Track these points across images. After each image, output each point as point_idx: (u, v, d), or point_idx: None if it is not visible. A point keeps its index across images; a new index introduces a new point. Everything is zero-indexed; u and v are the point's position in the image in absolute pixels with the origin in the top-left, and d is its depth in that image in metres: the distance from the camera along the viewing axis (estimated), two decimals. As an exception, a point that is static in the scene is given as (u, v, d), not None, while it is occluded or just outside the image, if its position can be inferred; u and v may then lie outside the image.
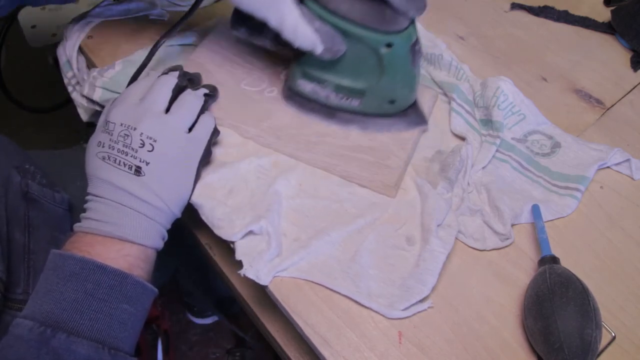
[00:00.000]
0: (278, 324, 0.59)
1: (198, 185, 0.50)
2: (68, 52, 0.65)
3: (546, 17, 0.74)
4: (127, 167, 0.45)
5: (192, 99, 0.50)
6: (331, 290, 0.46)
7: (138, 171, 0.45)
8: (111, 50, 0.64)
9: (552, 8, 0.74)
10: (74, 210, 0.63)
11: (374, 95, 0.53)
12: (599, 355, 0.44)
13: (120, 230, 0.44)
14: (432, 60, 0.63)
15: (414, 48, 0.50)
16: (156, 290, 0.45)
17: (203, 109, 0.51)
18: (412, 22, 0.49)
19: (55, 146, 0.78)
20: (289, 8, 0.46)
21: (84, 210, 0.46)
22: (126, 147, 0.45)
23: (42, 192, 0.58)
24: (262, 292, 0.48)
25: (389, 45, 0.48)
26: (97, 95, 0.60)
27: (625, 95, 0.65)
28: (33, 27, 0.85)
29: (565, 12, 0.74)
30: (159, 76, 0.50)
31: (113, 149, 0.45)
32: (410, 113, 0.56)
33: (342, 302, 0.46)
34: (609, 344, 0.45)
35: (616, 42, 0.71)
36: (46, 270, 0.42)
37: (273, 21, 0.47)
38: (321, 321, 0.45)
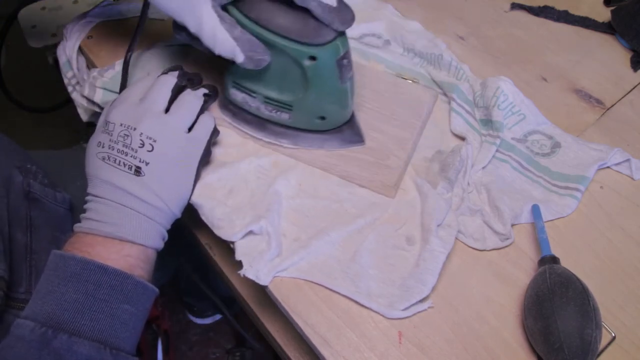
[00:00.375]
0: (278, 324, 0.59)
1: (198, 185, 0.50)
2: (68, 52, 0.65)
3: (546, 17, 0.74)
4: (127, 167, 0.45)
5: (192, 99, 0.50)
6: (331, 290, 0.46)
7: (138, 171, 0.45)
8: (111, 50, 0.64)
9: (552, 8, 0.74)
10: (75, 210, 0.63)
11: (302, 110, 0.51)
12: (599, 355, 0.44)
13: (121, 230, 0.44)
14: (432, 60, 0.63)
15: (342, 62, 0.47)
16: (157, 290, 0.45)
17: (203, 109, 0.51)
18: (341, 34, 0.46)
19: (55, 146, 0.78)
20: (207, 13, 0.45)
21: (84, 211, 0.46)
22: (126, 147, 0.45)
23: (44, 191, 0.59)
24: (262, 292, 0.48)
25: (312, 57, 0.46)
26: (98, 97, 0.60)
27: (625, 95, 0.65)
28: (33, 27, 0.85)
29: (565, 12, 0.74)
30: (158, 76, 0.50)
31: (113, 149, 0.45)
32: (345, 130, 0.54)
33: (342, 302, 0.46)
34: (609, 344, 0.45)
35: (616, 42, 0.71)
36: (47, 271, 0.42)
37: (191, 26, 0.46)
38: (321, 321, 0.45)
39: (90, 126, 0.69)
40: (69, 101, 0.68)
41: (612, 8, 0.73)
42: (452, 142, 0.58)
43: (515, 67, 0.66)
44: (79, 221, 0.45)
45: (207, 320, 1.22)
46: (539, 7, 0.74)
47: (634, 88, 0.65)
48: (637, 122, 0.62)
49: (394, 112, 0.57)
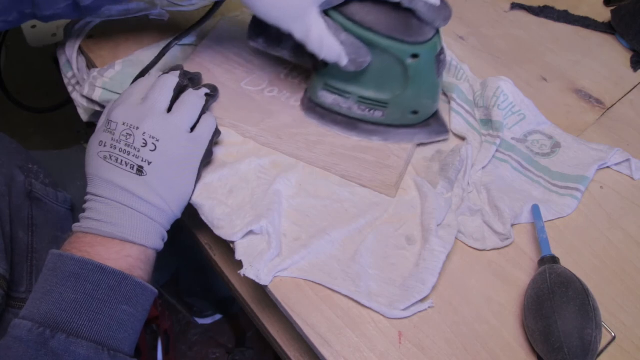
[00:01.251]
0: (278, 324, 0.59)
1: (198, 185, 0.50)
2: (68, 52, 0.65)
3: (546, 17, 0.74)
4: (129, 166, 0.45)
5: (194, 98, 0.50)
6: (331, 290, 0.46)
7: (140, 171, 0.45)
8: (111, 50, 0.64)
9: (552, 8, 0.74)
10: (76, 210, 0.63)
11: (398, 106, 0.52)
12: (599, 355, 0.44)
13: (121, 230, 0.43)
14: (432, 60, 0.63)
15: (439, 58, 0.49)
16: (156, 291, 0.45)
17: (204, 109, 0.51)
18: (437, 32, 0.48)
19: (55, 146, 0.78)
20: (315, 20, 0.46)
21: (83, 211, 0.46)
22: (128, 146, 0.45)
23: (46, 191, 0.58)
24: (262, 292, 0.48)
25: (414, 55, 0.48)
26: (97, 95, 0.60)
27: (625, 95, 0.65)
28: (33, 27, 0.85)
29: (565, 12, 0.74)
30: (159, 76, 0.50)
31: (115, 149, 0.45)
32: (432, 123, 0.55)
33: (342, 302, 0.46)
34: (609, 344, 0.45)
35: (616, 42, 0.71)
36: (45, 271, 0.42)
37: (298, 33, 0.46)
38: (321, 321, 0.45)
39: (91, 126, 0.69)
40: (69, 101, 0.68)
41: (612, 8, 0.73)
42: (452, 142, 0.58)
43: (515, 67, 0.66)
44: (78, 221, 0.45)
45: (207, 320, 1.22)
46: (539, 7, 0.74)
47: (634, 88, 0.65)
48: (637, 122, 0.62)
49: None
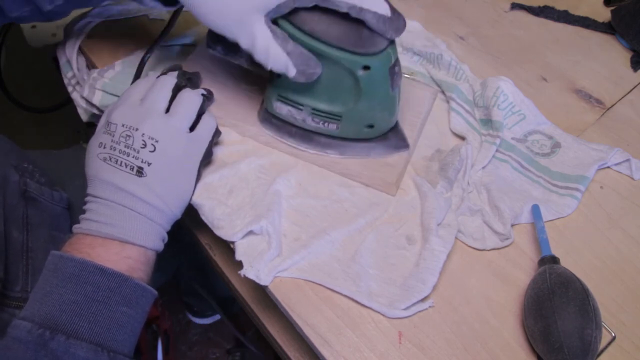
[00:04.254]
0: (278, 324, 0.59)
1: (198, 185, 0.50)
2: (68, 52, 0.65)
3: (546, 17, 0.74)
4: (128, 167, 0.45)
5: (191, 98, 0.49)
6: (331, 290, 0.46)
7: (140, 172, 0.45)
8: (111, 50, 0.64)
9: (552, 8, 0.74)
10: (73, 209, 0.63)
11: (352, 120, 0.51)
12: (599, 355, 0.44)
13: (121, 231, 0.43)
14: (431, 59, 0.63)
15: (393, 70, 0.48)
16: (156, 292, 0.45)
17: (203, 108, 0.51)
18: (391, 43, 0.46)
19: (55, 146, 0.78)
20: (260, 29, 0.44)
21: (83, 212, 0.46)
22: (128, 147, 0.45)
23: (41, 190, 0.58)
24: (262, 292, 0.48)
25: (366, 67, 0.46)
26: (97, 99, 0.60)
27: (625, 95, 0.65)
28: (33, 27, 0.85)
29: (565, 12, 0.74)
30: (157, 76, 0.50)
31: (114, 150, 0.45)
32: (391, 137, 0.53)
33: (342, 302, 0.46)
34: (609, 344, 0.45)
35: (616, 42, 0.71)
36: (45, 272, 0.42)
37: (244, 43, 0.45)
38: (321, 321, 0.45)
39: (90, 126, 0.69)
40: (69, 101, 0.68)
41: (612, 8, 0.73)
42: (452, 142, 0.58)
43: (515, 67, 0.66)
44: (78, 221, 0.45)
45: (207, 320, 1.22)
46: (539, 7, 0.74)
47: (634, 88, 0.65)
48: (637, 122, 0.62)
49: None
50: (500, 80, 0.58)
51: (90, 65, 0.65)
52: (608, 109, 0.63)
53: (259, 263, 0.46)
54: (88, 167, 0.47)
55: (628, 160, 0.56)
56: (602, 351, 0.44)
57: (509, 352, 0.45)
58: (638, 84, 0.66)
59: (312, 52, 0.46)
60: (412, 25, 0.68)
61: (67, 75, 0.66)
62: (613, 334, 0.45)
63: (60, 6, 0.52)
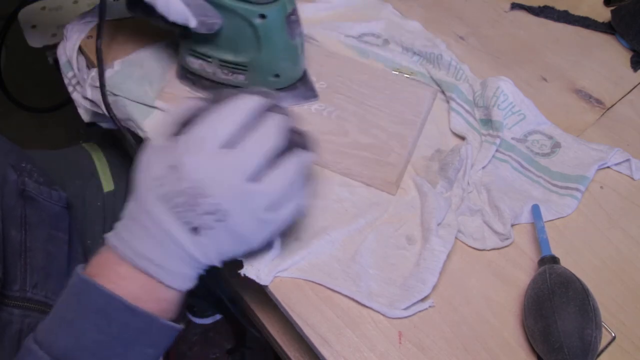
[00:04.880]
0: (278, 324, 0.59)
1: None
2: (68, 52, 0.65)
3: (546, 17, 0.74)
4: (184, 222, 0.37)
5: (296, 175, 0.39)
6: (332, 290, 0.46)
7: (196, 231, 0.38)
8: (111, 50, 0.64)
9: (552, 8, 0.74)
10: (72, 208, 0.63)
11: (257, 70, 0.53)
12: (599, 355, 0.44)
13: (158, 272, 0.38)
14: (431, 59, 0.63)
15: (290, 18, 0.50)
16: (182, 327, 0.41)
17: (303, 180, 0.41)
18: None
19: (55, 146, 0.78)
20: None
21: (123, 216, 0.40)
22: (192, 205, 0.37)
23: (39, 190, 0.58)
24: (262, 292, 0.48)
25: (262, 16, 0.49)
26: (97, 97, 0.60)
27: (625, 95, 0.65)
28: (33, 27, 0.85)
29: (565, 12, 0.74)
30: (263, 117, 0.39)
31: (176, 197, 0.37)
32: (299, 86, 0.56)
33: (342, 302, 0.46)
34: (609, 344, 0.45)
35: (616, 42, 0.71)
36: (69, 295, 0.39)
37: None
38: (321, 321, 0.45)
39: (90, 126, 0.69)
40: (69, 101, 0.68)
41: (612, 8, 0.73)
42: (452, 142, 0.58)
43: (515, 67, 0.66)
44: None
45: (207, 320, 1.22)
46: (539, 7, 0.74)
47: (634, 88, 0.65)
48: (637, 122, 0.62)
49: (393, 110, 0.57)
50: (500, 80, 0.58)
51: (91, 65, 0.65)
52: (608, 109, 0.63)
53: (260, 263, 0.46)
54: (139, 190, 0.39)
55: (628, 160, 0.56)
56: (602, 351, 0.44)
57: (509, 352, 0.44)
58: (638, 84, 0.66)
59: (210, 4, 0.48)
60: (412, 25, 0.68)
61: (68, 75, 0.66)
62: (613, 334, 0.45)
63: None
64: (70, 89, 0.66)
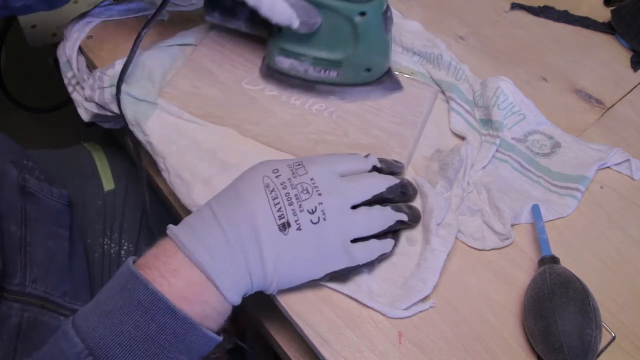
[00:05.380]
0: (278, 324, 0.59)
1: (202, 187, 0.50)
2: (68, 52, 0.65)
3: (546, 17, 0.74)
4: (279, 213, 0.40)
5: (391, 228, 0.46)
6: (332, 289, 0.46)
7: (284, 228, 0.40)
8: (111, 50, 0.64)
9: (552, 8, 0.74)
10: (72, 207, 0.63)
11: (351, 65, 0.55)
12: (599, 355, 0.44)
13: (213, 268, 0.39)
14: (431, 59, 0.63)
15: (386, 15, 0.52)
16: (221, 338, 0.40)
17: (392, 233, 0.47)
18: None
19: (55, 146, 0.78)
20: None
21: (199, 214, 0.42)
22: (297, 199, 0.41)
23: (40, 186, 0.58)
24: (261, 292, 0.48)
25: (362, 13, 0.50)
26: (108, 97, 0.59)
27: (625, 95, 0.65)
28: (33, 27, 0.85)
29: (565, 12, 0.74)
30: (373, 171, 0.48)
31: (285, 188, 0.41)
32: (386, 80, 0.58)
33: (342, 302, 0.46)
34: (609, 344, 0.45)
35: (616, 42, 0.71)
36: (115, 284, 0.39)
37: (251, 0, 0.48)
38: (321, 321, 0.45)
39: (90, 126, 0.69)
40: (69, 101, 0.68)
41: (612, 8, 0.73)
42: (452, 142, 0.58)
43: (515, 67, 0.66)
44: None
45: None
46: (539, 7, 0.74)
47: (634, 88, 0.65)
48: (637, 122, 0.62)
49: (394, 110, 0.58)
50: (500, 80, 0.58)
51: (90, 65, 0.65)
52: (608, 109, 0.63)
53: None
54: (244, 179, 0.43)
55: (628, 160, 0.56)
56: (602, 351, 0.44)
57: (509, 352, 0.45)
58: (638, 84, 0.66)
59: (311, 4, 0.50)
60: (412, 25, 0.68)
61: (67, 75, 0.66)
62: (613, 334, 0.45)
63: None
64: (70, 89, 0.66)
